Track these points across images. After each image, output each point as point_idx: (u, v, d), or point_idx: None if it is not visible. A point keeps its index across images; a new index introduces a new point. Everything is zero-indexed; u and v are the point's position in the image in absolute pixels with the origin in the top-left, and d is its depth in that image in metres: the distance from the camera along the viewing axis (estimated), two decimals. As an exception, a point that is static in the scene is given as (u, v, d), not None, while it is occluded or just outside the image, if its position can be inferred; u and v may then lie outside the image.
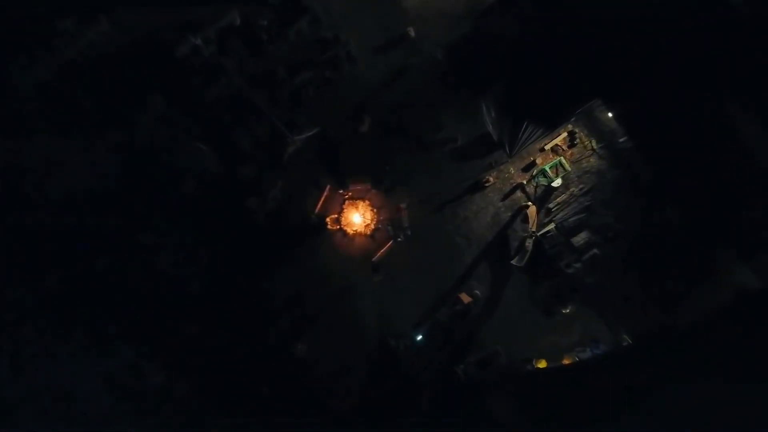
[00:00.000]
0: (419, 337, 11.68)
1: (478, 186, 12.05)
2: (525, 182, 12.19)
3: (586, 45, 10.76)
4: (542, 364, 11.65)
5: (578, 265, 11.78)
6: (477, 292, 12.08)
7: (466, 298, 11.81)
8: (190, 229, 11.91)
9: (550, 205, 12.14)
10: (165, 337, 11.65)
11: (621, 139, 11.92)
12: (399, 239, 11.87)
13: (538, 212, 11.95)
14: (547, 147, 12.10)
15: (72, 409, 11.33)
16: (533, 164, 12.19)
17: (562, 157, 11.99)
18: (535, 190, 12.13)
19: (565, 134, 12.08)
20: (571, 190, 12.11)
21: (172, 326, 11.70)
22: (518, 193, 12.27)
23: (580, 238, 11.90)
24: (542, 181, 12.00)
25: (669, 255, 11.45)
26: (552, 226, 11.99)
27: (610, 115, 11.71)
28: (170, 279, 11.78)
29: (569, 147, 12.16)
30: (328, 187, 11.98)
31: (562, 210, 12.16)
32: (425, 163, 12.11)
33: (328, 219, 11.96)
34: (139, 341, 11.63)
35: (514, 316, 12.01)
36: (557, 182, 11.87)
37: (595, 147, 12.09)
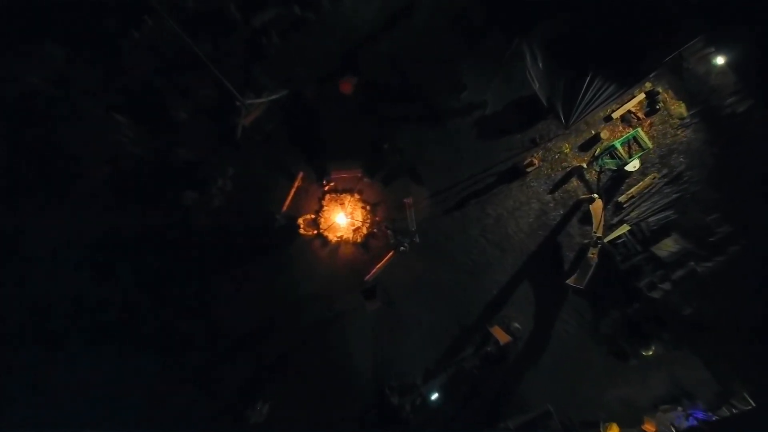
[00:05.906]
0: (434, 395, 9.72)
1: (517, 172, 10.22)
2: (585, 165, 10.16)
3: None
4: (613, 431, 9.54)
5: (666, 285, 9.69)
6: (517, 325, 10.09)
7: (501, 334, 9.78)
8: (102, 237, 9.62)
9: (622, 199, 10.04)
10: (58, 390, 9.41)
11: (729, 100, 9.33)
12: (403, 249, 10.02)
13: (604, 209, 9.84)
14: (616, 115, 10.01)
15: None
16: (596, 140, 10.18)
17: (638, 129, 9.78)
18: (599, 177, 10.03)
19: (641, 96, 9.89)
20: (651, 176, 9.98)
21: (73, 374, 9.39)
22: (574, 182, 10.25)
23: (667, 247, 9.76)
24: (609, 163, 9.96)
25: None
26: (625, 228, 9.92)
27: (719, 61, 9.00)
28: (72, 306, 9.57)
29: (648, 115, 9.97)
30: (301, 174, 10.16)
31: (639, 205, 10.04)
32: (440, 140, 10.23)
33: (301, 221, 10.12)
34: (26, 398, 9.42)
35: (571, 361, 10.17)
36: (632, 165, 9.79)
37: (686, 113, 9.80)
